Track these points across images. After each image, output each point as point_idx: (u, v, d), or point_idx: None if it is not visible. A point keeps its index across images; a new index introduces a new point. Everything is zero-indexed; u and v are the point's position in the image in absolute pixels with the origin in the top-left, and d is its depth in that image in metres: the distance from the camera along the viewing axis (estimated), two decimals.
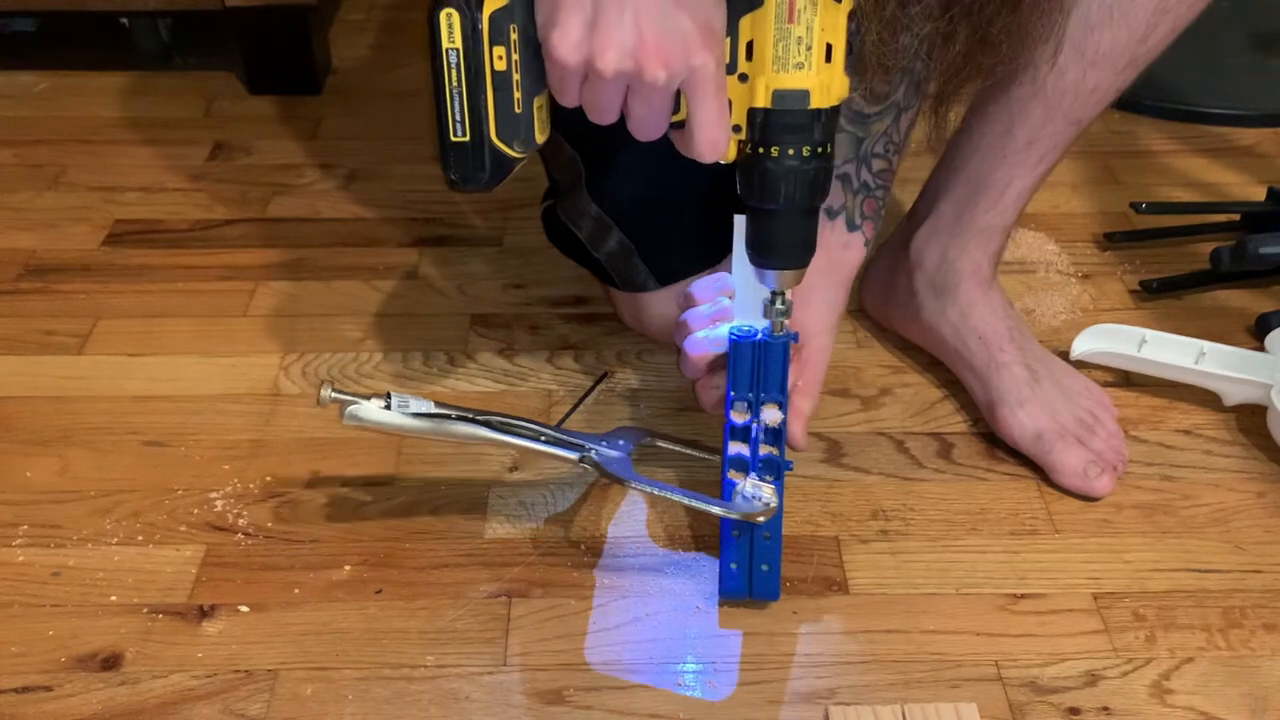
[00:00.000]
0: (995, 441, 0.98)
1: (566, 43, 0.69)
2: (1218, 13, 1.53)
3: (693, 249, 0.99)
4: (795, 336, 0.82)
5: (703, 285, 0.84)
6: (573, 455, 0.83)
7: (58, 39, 1.56)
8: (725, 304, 0.83)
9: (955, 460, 0.98)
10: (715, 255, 1.00)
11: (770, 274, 0.78)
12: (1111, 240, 1.22)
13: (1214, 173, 1.34)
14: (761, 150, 0.73)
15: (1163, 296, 1.15)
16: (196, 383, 1.04)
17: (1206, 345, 1.02)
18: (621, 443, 0.86)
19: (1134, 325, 1.05)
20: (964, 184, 0.99)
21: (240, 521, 0.91)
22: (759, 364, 0.82)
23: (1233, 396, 1.01)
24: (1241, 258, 1.10)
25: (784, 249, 0.76)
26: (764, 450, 0.82)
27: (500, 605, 0.86)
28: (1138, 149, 1.39)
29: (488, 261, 1.19)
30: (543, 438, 0.83)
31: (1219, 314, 1.13)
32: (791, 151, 0.72)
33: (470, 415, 0.81)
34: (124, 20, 1.52)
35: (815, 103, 0.71)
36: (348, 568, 0.88)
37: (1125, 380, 1.05)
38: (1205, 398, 1.02)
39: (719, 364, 0.85)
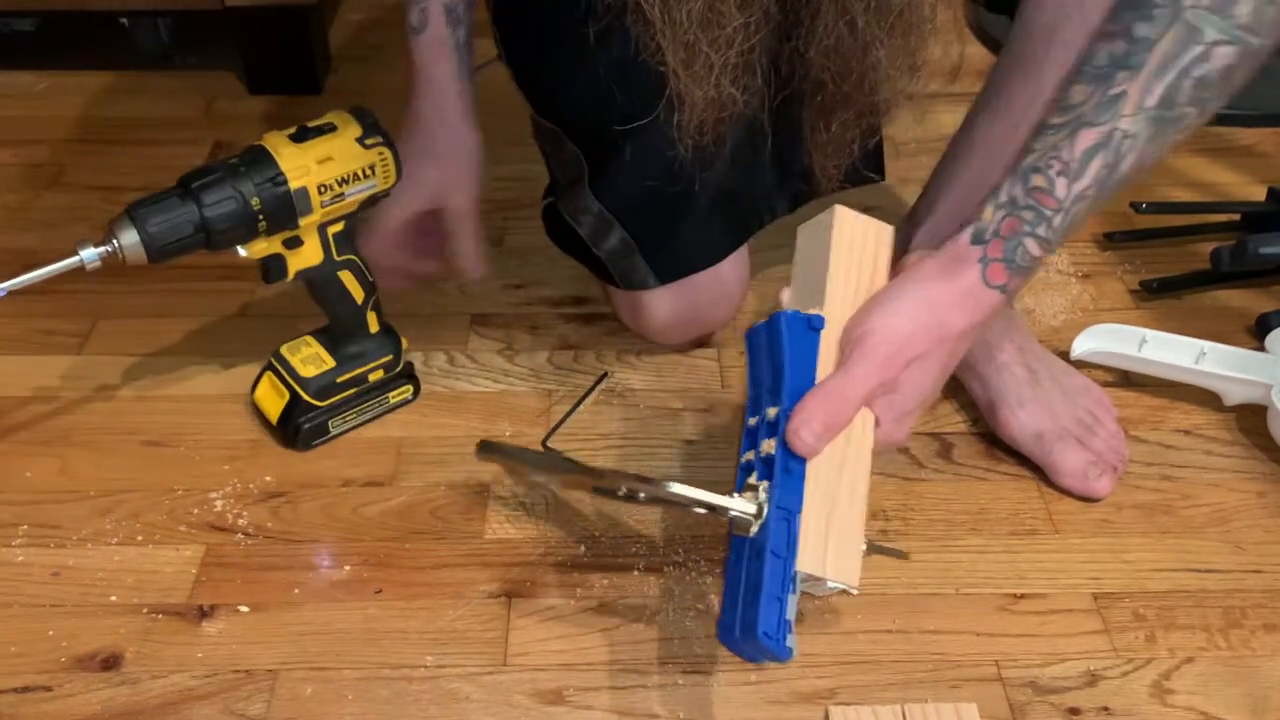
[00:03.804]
0: (995, 441, 0.98)
1: None
2: None
3: (695, 246, 0.99)
4: (817, 319, 0.74)
5: None
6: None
7: (58, 39, 1.56)
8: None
9: (955, 460, 0.98)
10: (717, 253, 1.00)
11: None
12: (1111, 240, 1.22)
13: (1214, 173, 1.34)
14: None
15: (1163, 296, 1.15)
16: (196, 383, 1.04)
17: (1206, 345, 1.02)
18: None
19: (1134, 325, 1.05)
20: (964, 185, 0.99)
21: (240, 521, 0.91)
22: (767, 349, 0.75)
23: (1233, 396, 1.01)
24: (1241, 258, 1.10)
25: None
26: (765, 449, 0.73)
27: (500, 605, 0.86)
28: None
29: (487, 262, 1.19)
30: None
31: (1219, 314, 1.13)
32: None
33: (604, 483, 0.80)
34: (124, 20, 1.52)
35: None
36: (348, 568, 0.88)
37: (1125, 380, 1.05)
38: (1205, 398, 1.02)
39: None
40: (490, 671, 0.81)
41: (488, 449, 0.92)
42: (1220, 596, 0.87)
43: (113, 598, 0.85)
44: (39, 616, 0.84)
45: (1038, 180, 0.73)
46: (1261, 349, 1.04)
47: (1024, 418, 0.95)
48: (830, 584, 0.72)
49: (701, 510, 0.74)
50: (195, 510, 0.92)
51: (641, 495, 0.77)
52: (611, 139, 0.94)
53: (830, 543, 0.71)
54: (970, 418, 1.01)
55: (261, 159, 0.87)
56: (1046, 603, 0.86)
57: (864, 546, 0.74)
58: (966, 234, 0.75)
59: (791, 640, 0.69)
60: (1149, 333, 1.03)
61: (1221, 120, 1.40)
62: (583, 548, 0.90)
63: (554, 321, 1.12)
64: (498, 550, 0.90)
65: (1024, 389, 0.96)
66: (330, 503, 0.93)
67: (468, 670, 0.81)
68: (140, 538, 0.90)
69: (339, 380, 0.97)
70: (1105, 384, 1.03)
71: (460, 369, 1.06)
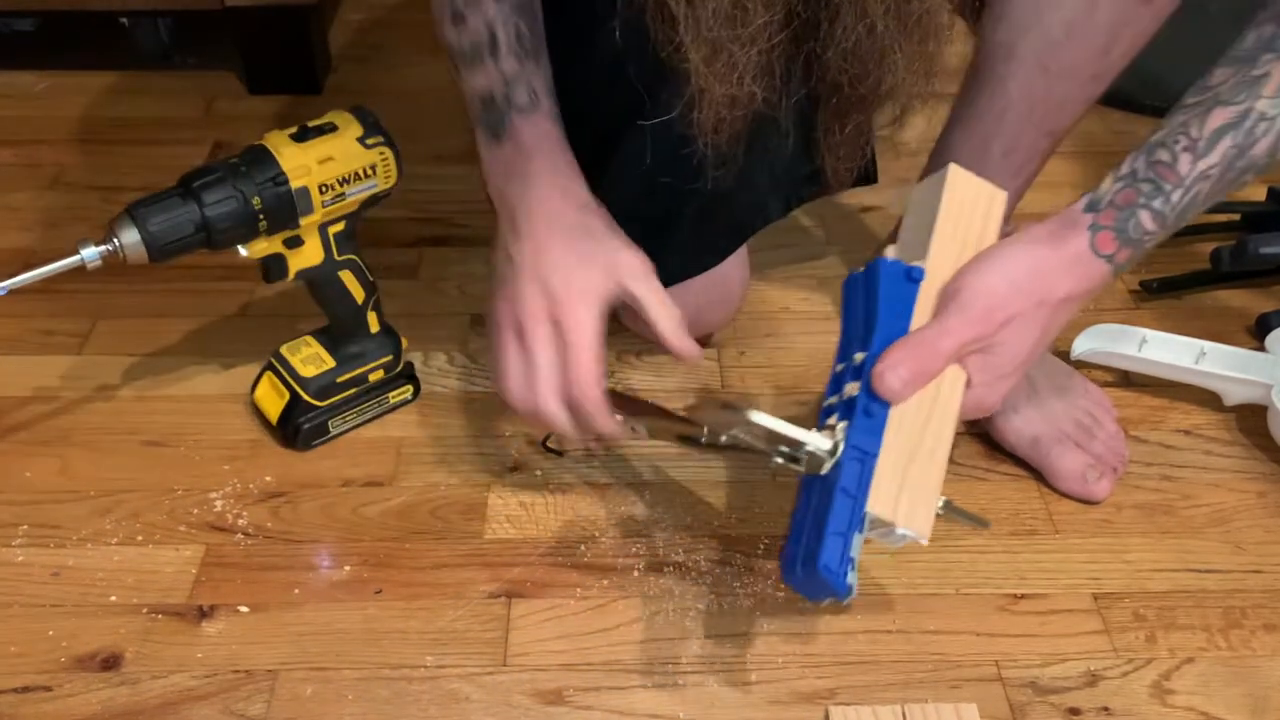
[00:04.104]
0: (995, 442, 0.98)
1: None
2: (1216, 12, 1.54)
3: (691, 251, 0.98)
4: (918, 270, 0.73)
5: None
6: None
7: (58, 39, 1.56)
8: None
9: (955, 460, 0.97)
10: (712, 258, 0.99)
11: None
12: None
13: None
14: None
15: (1163, 296, 1.15)
16: (196, 383, 1.04)
17: (1206, 345, 1.02)
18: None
19: (1134, 325, 1.05)
20: None
21: (240, 521, 0.91)
22: (863, 297, 0.75)
23: (1233, 396, 1.01)
24: (1241, 258, 1.10)
25: None
26: (848, 392, 0.73)
27: (500, 605, 0.85)
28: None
29: (488, 261, 1.18)
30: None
31: (1219, 314, 1.13)
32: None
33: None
34: (124, 20, 1.52)
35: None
36: (348, 568, 0.88)
37: (1125, 380, 1.05)
38: (1205, 398, 1.02)
39: None
40: (490, 671, 0.81)
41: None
42: (1220, 597, 0.87)
43: (113, 598, 0.85)
44: (39, 616, 0.84)
45: (1161, 154, 0.73)
46: (1261, 349, 1.04)
47: (1019, 423, 0.95)
48: (900, 532, 0.71)
49: (771, 455, 0.74)
50: (195, 510, 0.92)
51: (723, 438, 0.76)
52: (606, 144, 0.93)
53: (905, 491, 0.71)
54: None
55: (262, 158, 0.87)
56: (1046, 603, 0.86)
57: (941, 504, 0.73)
58: (1080, 202, 0.75)
59: (852, 577, 0.69)
60: (1149, 333, 1.03)
61: None
62: (583, 548, 0.90)
63: None
64: (498, 550, 0.90)
65: (1019, 394, 0.96)
66: (330, 503, 0.93)
67: (468, 670, 0.81)
68: (140, 538, 0.90)
69: (339, 380, 0.97)
70: (1105, 384, 1.03)
71: (460, 369, 1.06)
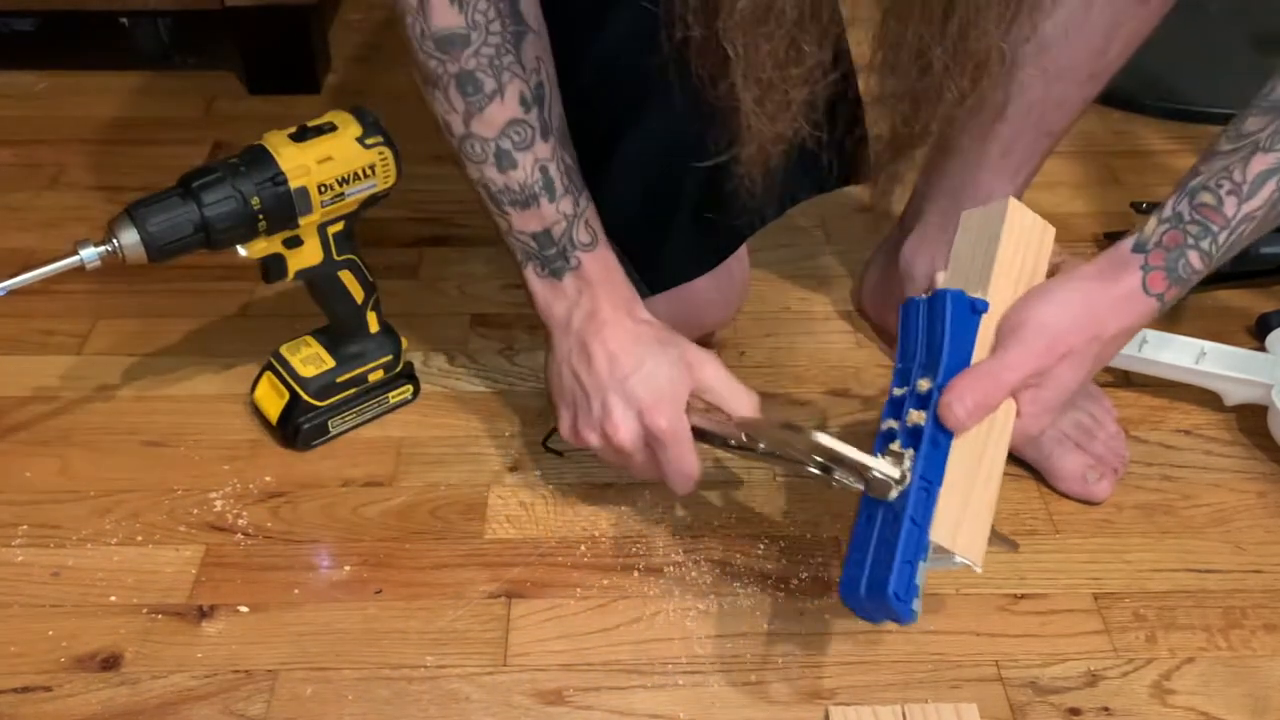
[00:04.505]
0: None
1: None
2: (1217, 12, 1.54)
3: (685, 257, 0.98)
4: (982, 303, 0.76)
5: None
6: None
7: (58, 39, 1.56)
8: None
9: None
10: (708, 263, 0.99)
11: None
12: (1112, 240, 1.22)
13: None
14: None
15: None
16: (196, 383, 1.04)
17: (1206, 345, 1.02)
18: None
19: None
20: (947, 194, 0.99)
21: (240, 521, 0.91)
22: (925, 324, 0.77)
23: (1233, 396, 1.01)
24: (1241, 257, 1.10)
25: None
26: (911, 419, 0.74)
27: (500, 605, 0.85)
28: (1138, 149, 1.39)
29: (488, 261, 1.19)
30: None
31: (1219, 314, 1.13)
32: None
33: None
34: (124, 20, 1.52)
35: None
36: (348, 568, 0.88)
37: (1125, 380, 1.05)
38: (1205, 398, 1.02)
39: None
40: (490, 671, 0.81)
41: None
42: (1221, 597, 0.87)
43: (113, 598, 0.85)
44: (39, 616, 0.84)
45: (1205, 198, 0.76)
46: (1261, 349, 1.04)
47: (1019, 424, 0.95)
48: (957, 560, 0.73)
49: (833, 476, 0.76)
50: (195, 510, 0.92)
51: (760, 445, 0.79)
52: (599, 151, 0.93)
53: (964, 520, 0.73)
54: None
55: (261, 158, 0.87)
56: (1047, 603, 0.86)
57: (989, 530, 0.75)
58: (1126, 243, 0.78)
59: (917, 604, 0.71)
60: (1149, 333, 1.03)
61: (1222, 120, 1.39)
62: (583, 548, 0.90)
63: None
64: (498, 550, 0.90)
65: None
66: (330, 503, 0.93)
67: (468, 670, 0.81)
68: (140, 538, 0.90)
69: (339, 380, 0.97)
70: (1105, 384, 1.03)
71: (460, 369, 1.06)
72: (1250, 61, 1.49)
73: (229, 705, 0.78)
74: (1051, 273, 0.80)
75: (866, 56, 0.84)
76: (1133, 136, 1.41)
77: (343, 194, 0.90)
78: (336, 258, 0.94)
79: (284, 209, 0.88)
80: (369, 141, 0.90)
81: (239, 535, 0.90)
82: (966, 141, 0.95)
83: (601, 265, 0.87)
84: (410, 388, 1.02)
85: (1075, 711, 0.79)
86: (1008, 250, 0.78)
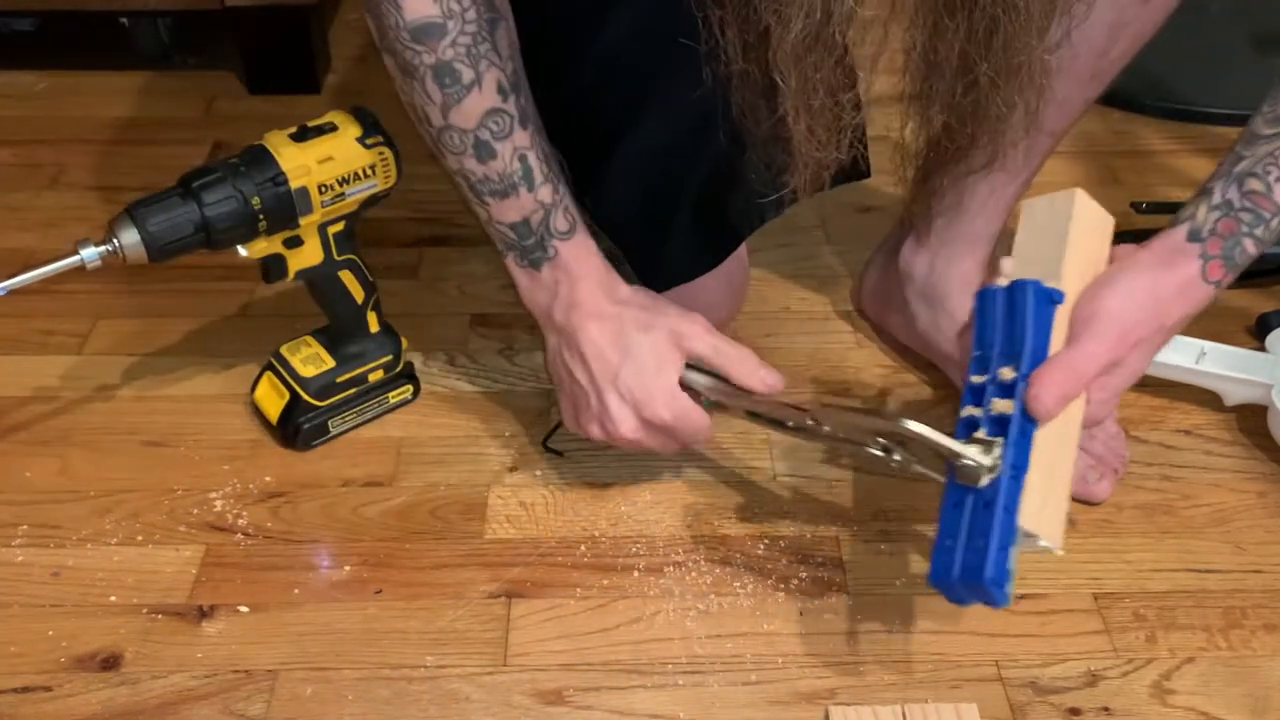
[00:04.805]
0: None
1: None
2: (1217, 12, 1.54)
3: (684, 258, 0.98)
4: (1059, 294, 0.77)
5: None
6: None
7: (58, 39, 1.56)
8: None
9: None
10: (707, 263, 0.99)
11: None
12: (1112, 240, 1.22)
13: None
14: None
15: None
16: (196, 383, 1.04)
17: (1207, 345, 1.02)
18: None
19: None
20: (948, 194, 0.99)
21: (240, 521, 0.91)
22: (1003, 314, 0.78)
23: (1233, 396, 1.01)
24: None
25: None
26: (996, 408, 0.75)
27: (500, 605, 0.85)
28: (1138, 149, 1.39)
29: (488, 261, 1.19)
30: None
31: (1219, 314, 1.12)
32: None
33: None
34: (124, 20, 1.52)
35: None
36: (348, 568, 0.88)
37: None
38: (1205, 398, 1.02)
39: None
40: (490, 671, 0.81)
41: (693, 371, 0.87)
42: (1221, 597, 0.87)
43: (112, 598, 0.85)
44: (39, 616, 0.84)
45: (1254, 185, 0.78)
46: (1261, 349, 1.04)
47: None
48: (1042, 544, 0.74)
49: (892, 456, 0.80)
50: (195, 510, 0.92)
51: (825, 428, 0.81)
52: (598, 150, 0.93)
53: (1046, 505, 0.74)
54: None
55: (262, 158, 0.87)
56: (1047, 603, 0.86)
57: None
58: (1180, 231, 0.79)
59: (1010, 588, 0.72)
60: None
61: (1221, 120, 1.40)
62: (583, 548, 0.90)
63: None
64: (498, 550, 0.90)
65: None
66: (330, 503, 0.93)
67: (468, 670, 0.81)
68: (140, 538, 0.90)
69: (339, 380, 0.97)
70: None
71: (460, 369, 1.06)
72: (1250, 61, 1.49)
73: (229, 705, 0.79)
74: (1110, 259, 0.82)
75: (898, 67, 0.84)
76: (1133, 136, 1.41)
77: (343, 194, 0.90)
78: (337, 258, 0.94)
79: (284, 209, 0.88)
80: (369, 141, 0.90)
81: (239, 535, 0.90)
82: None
83: (579, 252, 0.86)
84: (410, 388, 1.02)
85: (1075, 711, 0.79)
86: (1077, 241, 0.79)
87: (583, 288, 0.86)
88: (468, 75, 0.80)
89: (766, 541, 0.90)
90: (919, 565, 0.88)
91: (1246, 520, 0.93)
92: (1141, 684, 0.81)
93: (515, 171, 0.83)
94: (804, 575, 0.88)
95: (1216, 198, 0.79)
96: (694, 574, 0.88)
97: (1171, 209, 1.24)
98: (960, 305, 1.00)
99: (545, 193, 0.85)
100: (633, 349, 0.84)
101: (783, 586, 0.87)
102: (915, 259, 1.02)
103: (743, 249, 1.03)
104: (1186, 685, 0.81)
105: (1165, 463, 0.98)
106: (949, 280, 1.00)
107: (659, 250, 0.97)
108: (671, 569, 0.88)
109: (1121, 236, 1.22)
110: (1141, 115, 1.44)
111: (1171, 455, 0.99)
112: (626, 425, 0.84)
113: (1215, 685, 0.81)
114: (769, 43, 0.76)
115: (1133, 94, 1.42)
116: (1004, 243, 1.06)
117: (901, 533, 0.91)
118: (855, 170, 1.02)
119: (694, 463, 0.97)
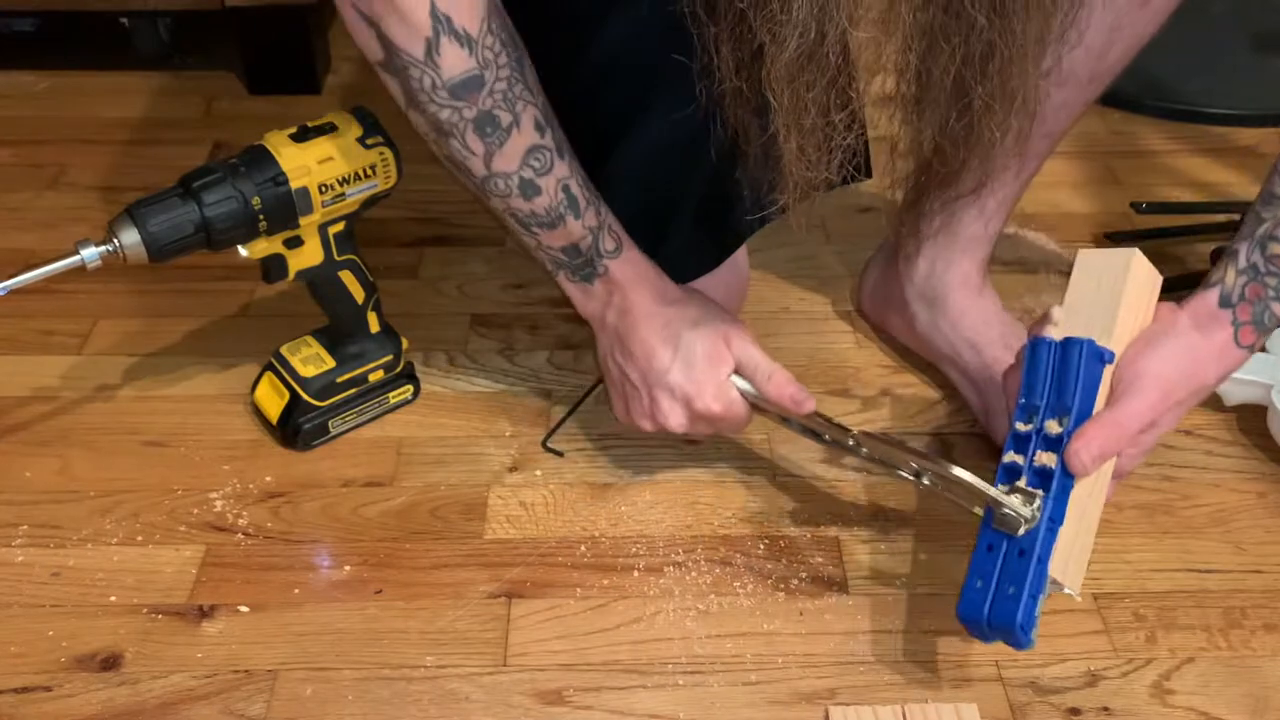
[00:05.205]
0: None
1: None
2: (1218, 13, 1.54)
3: (684, 259, 0.98)
4: (1109, 354, 0.79)
5: None
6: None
7: (58, 39, 1.56)
8: None
9: (955, 460, 0.97)
10: (707, 264, 0.99)
11: None
12: (1112, 240, 1.22)
13: (1214, 173, 1.34)
14: None
15: (1164, 297, 1.14)
16: (196, 383, 1.04)
17: None
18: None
19: None
20: (948, 195, 0.99)
21: (240, 521, 0.91)
22: (1054, 368, 0.80)
23: (1233, 396, 1.01)
24: None
25: None
26: (1039, 460, 0.78)
27: (500, 605, 0.85)
28: (1138, 149, 1.39)
29: (488, 261, 1.19)
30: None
31: None
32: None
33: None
34: (124, 20, 1.52)
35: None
36: (348, 568, 0.88)
37: None
38: (1205, 398, 1.02)
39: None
40: (490, 671, 0.81)
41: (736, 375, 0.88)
42: (1220, 597, 0.87)
43: (112, 598, 0.85)
44: (39, 616, 0.84)
45: (1276, 249, 0.80)
46: (1262, 349, 1.03)
47: None
48: (1065, 590, 0.77)
49: (921, 480, 0.83)
50: (195, 510, 0.92)
51: (864, 450, 0.84)
52: (600, 151, 0.93)
53: (1073, 555, 0.78)
54: (970, 418, 1.01)
55: (262, 159, 0.87)
56: (1047, 603, 0.86)
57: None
58: (1212, 295, 0.81)
59: (1034, 634, 0.75)
60: None
61: (1221, 120, 1.40)
62: (583, 548, 0.90)
63: (554, 321, 1.12)
64: (498, 550, 0.90)
65: None
66: (330, 503, 0.93)
67: (468, 670, 0.81)
68: (140, 538, 0.90)
69: (339, 380, 0.97)
70: None
71: (460, 369, 1.06)
72: (1250, 61, 1.49)
73: (229, 705, 0.79)
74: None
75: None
76: (1133, 136, 1.41)
77: (343, 194, 0.90)
78: (337, 258, 0.94)
79: (285, 209, 0.88)
80: (369, 141, 0.90)
81: (239, 535, 0.90)
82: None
83: (629, 267, 0.88)
84: (410, 388, 1.02)
85: (1075, 711, 0.79)
86: (1129, 304, 0.81)
87: (634, 295, 0.88)
88: (506, 119, 0.80)
89: (766, 541, 0.90)
90: (919, 565, 0.88)
91: (1246, 520, 0.93)
92: (1141, 684, 0.81)
93: (560, 203, 0.84)
94: (804, 575, 0.88)
95: (1242, 261, 0.81)
96: (694, 574, 0.88)
97: (1171, 209, 1.26)
98: (959, 305, 1.01)
99: (590, 217, 0.86)
100: (683, 345, 0.85)
101: (783, 586, 0.87)
102: (915, 259, 1.02)
103: (743, 249, 1.03)
104: (1186, 685, 0.81)
105: (1165, 463, 0.98)
106: (948, 281, 1.01)
107: (660, 250, 0.97)
108: (671, 569, 0.88)
109: (1122, 237, 1.23)
110: (1141, 115, 1.44)
111: (1171, 455, 0.99)
112: (675, 418, 0.86)
113: (1215, 685, 0.81)
114: (762, 61, 0.76)
115: (1133, 94, 1.43)
116: (1003, 243, 1.06)
117: (901, 533, 0.91)
118: (859, 171, 1.02)
119: (694, 463, 0.97)
